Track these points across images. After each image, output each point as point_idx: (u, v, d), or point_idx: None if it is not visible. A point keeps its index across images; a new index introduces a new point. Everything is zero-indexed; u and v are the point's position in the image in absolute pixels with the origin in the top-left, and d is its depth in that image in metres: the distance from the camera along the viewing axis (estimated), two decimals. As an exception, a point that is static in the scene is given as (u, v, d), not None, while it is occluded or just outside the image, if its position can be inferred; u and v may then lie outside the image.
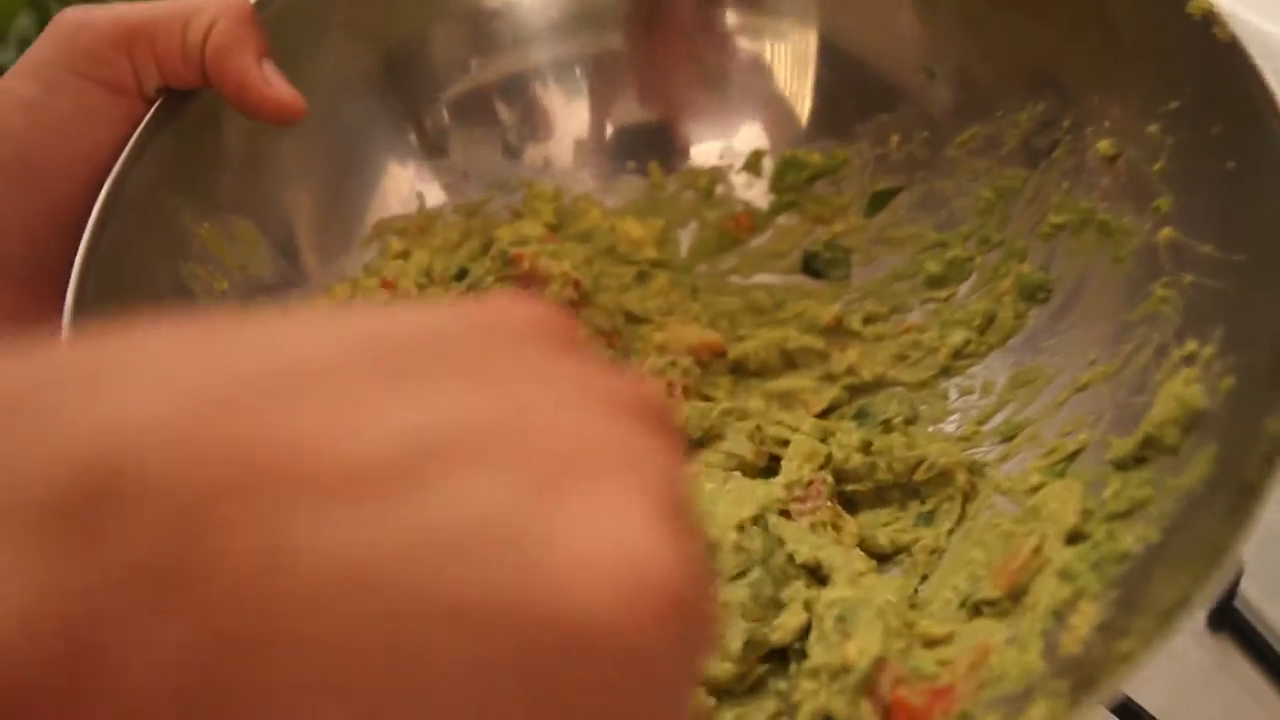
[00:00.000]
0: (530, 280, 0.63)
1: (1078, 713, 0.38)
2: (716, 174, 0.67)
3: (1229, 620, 0.61)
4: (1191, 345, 0.48)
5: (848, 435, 0.59)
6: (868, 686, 0.47)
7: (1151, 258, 0.52)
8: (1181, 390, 0.47)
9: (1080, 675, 0.41)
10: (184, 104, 0.52)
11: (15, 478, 0.19)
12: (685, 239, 0.68)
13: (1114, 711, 0.55)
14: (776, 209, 0.67)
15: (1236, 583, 0.60)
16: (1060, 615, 0.46)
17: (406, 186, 0.64)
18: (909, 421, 0.60)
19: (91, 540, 0.19)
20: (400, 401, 0.22)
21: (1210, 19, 0.49)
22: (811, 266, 0.67)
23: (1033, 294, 0.58)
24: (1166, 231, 0.51)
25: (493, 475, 0.22)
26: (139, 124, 0.51)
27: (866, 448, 0.58)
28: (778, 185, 0.67)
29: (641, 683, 0.22)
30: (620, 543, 0.22)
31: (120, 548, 0.20)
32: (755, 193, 0.67)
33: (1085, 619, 0.45)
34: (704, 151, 0.68)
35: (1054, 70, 0.57)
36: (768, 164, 0.67)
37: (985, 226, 0.61)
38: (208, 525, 0.20)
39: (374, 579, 0.20)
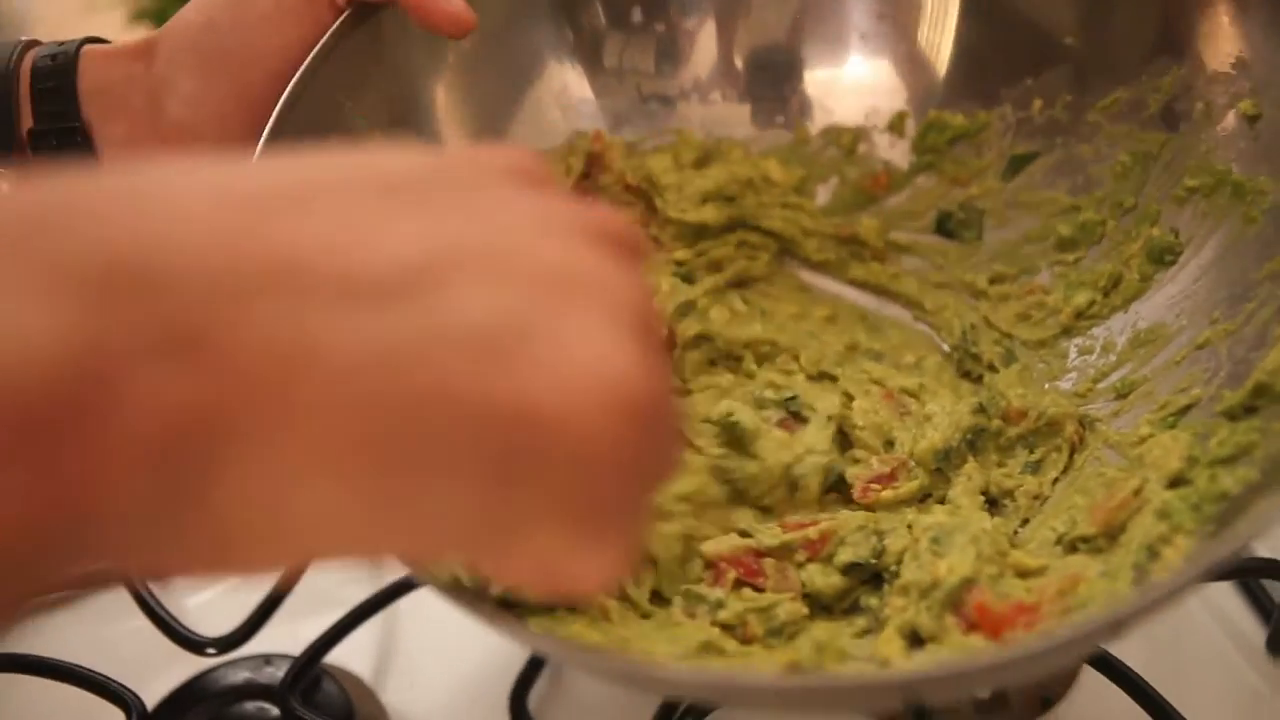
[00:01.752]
0: (596, 166, 0.67)
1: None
2: (860, 133, 0.69)
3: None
4: (1314, 297, 0.49)
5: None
6: (954, 603, 0.48)
7: (1283, 216, 0.52)
8: (1298, 339, 0.48)
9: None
10: (369, 16, 0.57)
11: (64, 256, 0.22)
12: (823, 194, 0.70)
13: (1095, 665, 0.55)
14: (916, 169, 0.69)
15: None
16: (1153, 550, 0.47)
17: (563, 128, 0.68)
18: (1005, 363, 0.61)
19: (126, 304, 0.22)
20: (404, 220, 0.26)
21: None
22: (944, 227, 0.68)
23: (1160, 256, 0.59)
24: None
25: (490, 289, 0.25)
26: (327, 30, 0.56)
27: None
28: (919, 146, 0.68)
29: (603, 476, 0.26)
30: (595, 357, 0.25)
31: (150, 313, 0.23)
32: (896, 153, 0.69)
33: (1178, 551, 0.46)
34: (849, 110, 0.70)
35: (1199, 32, 0.57)
36: (911, 125, 0.69)
37: (1120, 191, 0.62)
38: (234, 309, 0.23)
39: (383, 369, 0.24)
